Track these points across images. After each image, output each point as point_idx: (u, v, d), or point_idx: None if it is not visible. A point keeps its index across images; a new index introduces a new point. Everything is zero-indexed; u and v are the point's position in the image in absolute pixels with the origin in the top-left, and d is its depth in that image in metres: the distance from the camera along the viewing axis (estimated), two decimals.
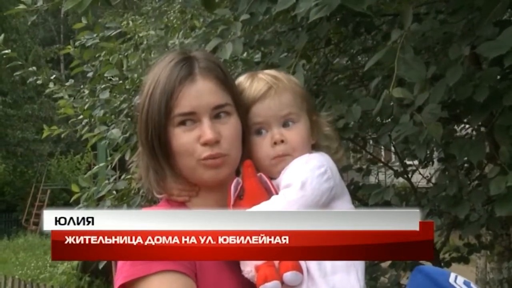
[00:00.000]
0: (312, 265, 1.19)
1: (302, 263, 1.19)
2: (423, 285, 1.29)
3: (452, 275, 1.28)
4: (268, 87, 1.31)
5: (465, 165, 3.55)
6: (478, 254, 6.44)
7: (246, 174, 1.28)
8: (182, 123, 1.23)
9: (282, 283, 1.16)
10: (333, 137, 1.40)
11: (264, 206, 1.21)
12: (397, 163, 4.19)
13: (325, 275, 1.19)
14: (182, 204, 1.30)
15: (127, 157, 3.02)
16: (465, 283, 1.26)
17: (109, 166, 3.25)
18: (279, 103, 1.30)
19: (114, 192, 3.00)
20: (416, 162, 4.06)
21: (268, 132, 1.31)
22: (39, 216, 19.12)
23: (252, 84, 1.32)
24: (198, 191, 1.30)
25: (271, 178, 1.30)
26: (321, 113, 1.45)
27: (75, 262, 11.19)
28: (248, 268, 1.19)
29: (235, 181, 1.27)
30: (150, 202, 1.38)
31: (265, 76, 1.34)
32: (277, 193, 1.25)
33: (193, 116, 1.23)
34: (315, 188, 1.20)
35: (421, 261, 3.32)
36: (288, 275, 1.15)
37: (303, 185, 1.19)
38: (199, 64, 1.25)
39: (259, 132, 1.32)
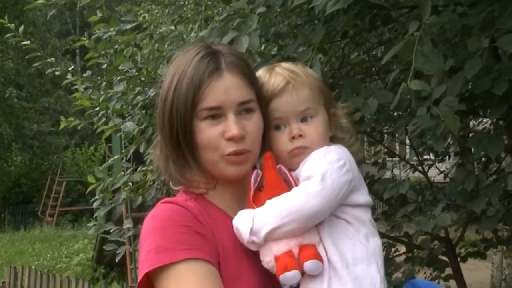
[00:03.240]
0: (335, 256, 1.19)
1: (323, 254, 1.19)
2: None
3: None
4: (286, 82, 1.30)
5: (482, 159, 3.52)
6: (494, 250, 6.40)
7: (266, 166, 1.28)
8: (208, 117, 1.23)
9: (303, 272, 1.17)
10: (350, 130, 1.40)
11: (284, 198, 1.21)
12: (413, 158, 4.16)
13: (347, 266, 1.19)
14: (200, 196, 1.30)
15: (141, 149, 3.04)
16: None
17: (124, 158, 3.27)
18: (296, 98, 1.30)
19: (130, 184, 3.02)
20: (432, 156, 4.04)
21: (286, 128, 1.31)
22: (55, 207, 19.36)
23: (270, 78, 1.32)
24: (216, 184, 1.31)
25: (290, 169, 1.30)
26: (338, 104, 1.44)
27: (90, 254, 11.34)
28: (268, 258, 1.20)
29: (254, 172, 1.27)
30: (166, 195, 1.39)
31: (283, 71, 1.33)
32: (296, 185, 1.25)
33: (219, 111, 1.23)
34: (334, 180, 1.20)
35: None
36: (309, 264, 1.16)
37: (323, 177, 1.19)
38: (225, 59, 1.25)
39: (278, 127, 1.32)
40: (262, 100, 1.29)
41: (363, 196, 1.29)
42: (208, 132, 1.23)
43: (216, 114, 1.23)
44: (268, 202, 1.21)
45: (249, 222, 1.20)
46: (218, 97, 1.22)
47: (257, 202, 1.24)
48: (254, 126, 1.26)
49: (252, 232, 1.19)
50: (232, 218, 1.26)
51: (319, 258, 1.17)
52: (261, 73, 1.36)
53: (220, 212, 1.29)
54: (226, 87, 1.23)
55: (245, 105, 1.25)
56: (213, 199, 1.31)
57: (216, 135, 1.23)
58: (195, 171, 1.28)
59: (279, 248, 1.19)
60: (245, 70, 1.27)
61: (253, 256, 1.22)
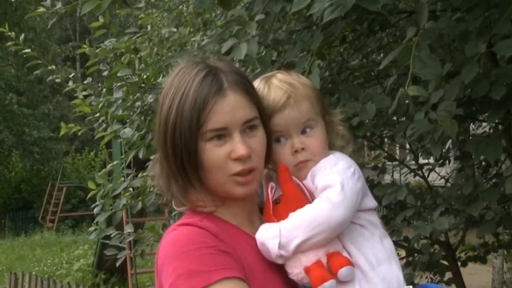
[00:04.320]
0: (360, 260, 1.21)
1: (349, 258, 1.21)
2: None
3: None
4: (287, 97, 1.30)
5: (482, 163, 3.53)
6: (495, 254, 6.39)
7: (283, 178, 1.28)
8: (213, 138, 1.21)
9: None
10: (346, 135, 1.41)
11: (310, 209, 1.21)
12: (413, 162, 4.17)
13: (373, 267, 1.21)
14: (210, 214, 1.28)
15: (141, 155, 3.05)
16: None
17: (123, 164, 3.27)
18: (298, 112, 1.30)
19: (130, 189, 3.02)
20: (432, 160, 4.04)
21: (287, 140, 1.31)
22: (55, 213, 19.34)
23: (269, 93, 1.32)
24: (224, 201, 1.29)
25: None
26: (333, 111, 1.44)
27: (90, 259, 11.32)
28: (297, 270, 1.20)
29: (270, 185, 1.27)
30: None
31: (282, 84, 1.32)
32: (310, 196, 1.25)
33: (224, 131, 1.21)
34: (352, 188, 1.21)
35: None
36: (343, 271, 1.17)
37: (343, 187, 1.20)
38: (226, 78, 1.23)
39: (278, 140, 1.32)
40: (264, 114, 1.29)
41: (371, 200, 1.31)
42: (214, 153, 1.21)
43: (222, 134, 1.21)
44: (292, 215, 1.21)
45: (275, 236, 1.19)
46: (224, 118, 1.20)
47: (277, 215, 1.24)
48: (259, 143, 1.25)
49: (280, 246, 1.19)
50: (245, 233, 1.26)
51: (351, 264, 1.19)
52: (258, 85, 1.35)
53: (234, 228, 1.28)
54: (230, 107, 1.21)
55: (249, 123, 1.23)
56: (223, 216, 1.29)
57: (222, 156, 1.21)
58: (199, 191, 1.26)
59: (308, 259, 1.19)
60: (247, 87, 1.26)
61: (276, 268, 1.22)
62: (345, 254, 1.21)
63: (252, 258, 1.21)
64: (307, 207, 1.21)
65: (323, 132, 1.34)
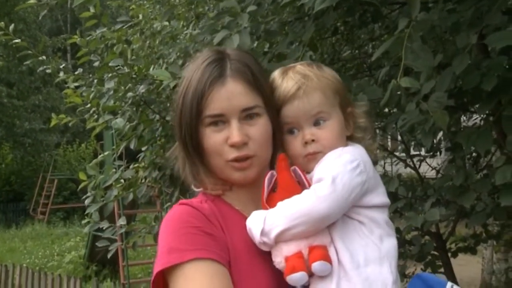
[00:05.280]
0: (345, 257, 1.20)
1: (334, 254, 1.20)
2: None
3: (449, 284, 1.32)
4: (297, 88, 1.30)
5: (473, 154, 3.55)
6: (484, 245, 6.44)
7: (280, 167, 1.29)
8: (212, 123, 1.26)
9: (311, 274, 1.18)
10: (368, 128, 1.38)
11: (294, 200, 1.21)
12: (402, 153, 4.19)
13: (357, 266, 1.19)
14: (217, 197, 1.33)
15: (132, 146, 3.04)
16: None
17: (115, 155, 3.26)
18: (308, 104, 1.29)
19: (122, 181, 3.02)
20: (423, 152, 4.06)
21: (299, 132, 1.31)
22: (46, 205, 19.26)
23: (282, 83, 1.32)
24: (232, 185, 1.33)
25: (308, 172, 1.30)
26: (357, 103, 1.42)
27: (82, 251, 11.31)
28: (279, 259, 1.21)
29: (269, 174, 1.28)
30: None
31: (295, 75, 1.32)
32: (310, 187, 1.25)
33: (222, 118, 1.26)
34: (345, 183, 1.20)
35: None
36: (317, 265, 1.17)
37: (334, 180, 1.19)
38: (231, 66, 1.27)
39: (291, 131, 1.32)
40: (271, 104, 1.30)
41: (379, 196, 1.28)
42: (212, 138, 1.26)
43: (220, 120, 1.25)
44: (279, 203, 1.22)
45: (260, 223, 1.21)
46: (221, 104, 1.24)
47: (271, 203, 1.25)
48: (260, 131, 1.27)
49: (263, 233, 1.20)
50: (245, 218, 1.28)
51: (328, 259, 1.18)
52: (275, 75, 1.36)
53: (235, 213, 1.31)
54: (228, 95, 1.24)
55: (249, 111, 1.26)
56: (230, 200, 1.33)
57: (219, 141, 1.26)
58: (205, 175, 1.32)
59: (289, 249, 1.20)
60: (249, 77, 1.28)
61: (267, 255, 1.23)
62: (331, 249, 1.21)
63: (242, 243, 1.24)
64: (294, 197, 1.22)
65: (338, 124, 1.32)
